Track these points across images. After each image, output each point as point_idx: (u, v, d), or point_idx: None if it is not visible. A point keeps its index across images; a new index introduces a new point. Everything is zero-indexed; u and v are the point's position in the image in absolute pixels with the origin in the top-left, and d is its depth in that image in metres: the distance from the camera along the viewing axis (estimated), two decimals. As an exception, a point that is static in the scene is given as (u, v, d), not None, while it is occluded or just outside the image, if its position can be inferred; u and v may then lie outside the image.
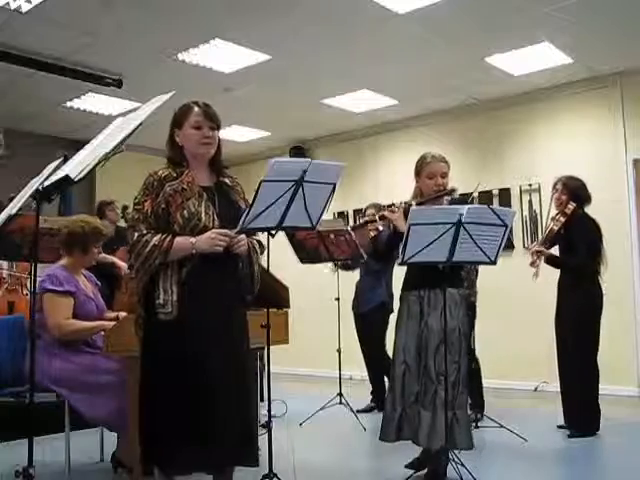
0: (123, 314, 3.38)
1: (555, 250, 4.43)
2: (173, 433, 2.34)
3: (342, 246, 4.72)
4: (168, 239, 2.37)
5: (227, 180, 2.62)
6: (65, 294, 3.28)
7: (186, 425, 2.34)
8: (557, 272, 4.40)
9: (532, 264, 4.34)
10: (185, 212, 2.42)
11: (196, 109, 2.52)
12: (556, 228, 4.33)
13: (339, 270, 5.34)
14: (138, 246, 2.39)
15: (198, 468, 2.42)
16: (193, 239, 2.39)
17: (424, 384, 3.09)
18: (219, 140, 2.59)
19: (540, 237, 4.38)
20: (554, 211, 4.43)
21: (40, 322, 3.24)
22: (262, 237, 2.80)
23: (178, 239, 2.39)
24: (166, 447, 2.35)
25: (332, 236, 4.46)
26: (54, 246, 3.59)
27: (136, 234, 2.41)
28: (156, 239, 2.37)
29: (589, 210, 4.41)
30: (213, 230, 2.41)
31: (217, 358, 2.41)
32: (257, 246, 2.65)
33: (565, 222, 4.30)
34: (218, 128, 2.57)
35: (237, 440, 2.42)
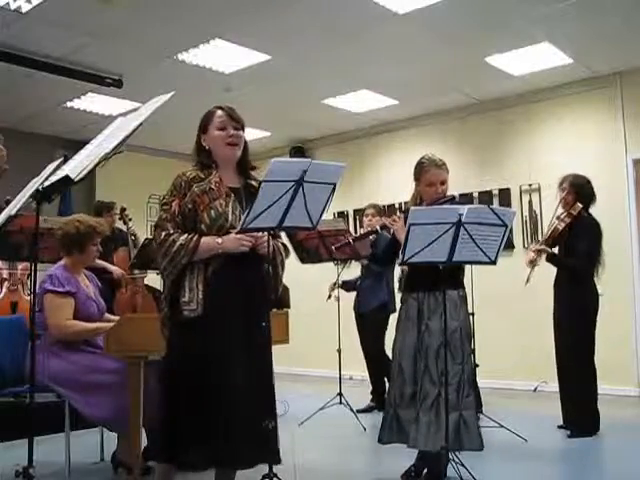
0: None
1: (555, 250, 4.43)
2: (194, 431, 2.34)
3: (343, 247, 4.73)
4: (195, 238, 2.40)
5: (254, 182, 2.64)
6: (66, 295, 3.27)
7: (207, 423, 2.35)
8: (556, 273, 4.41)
9: (531, 262, 4.32)
10: (212, 212, 2.45)
11: (219, 112, 2.58)
12: (560, 227, 4.30)
13: (339, 290, 5.38)
14: (165, 245, 2.41)
15: (217, 464, 2.45)
16: (219, 239, 2.42)
17: (424, 387, 3.08)
18: (246, 142, 2.63)
19: (543, 235, 4.36)
20: (560, 210, 4.40)
21: (41, 321, 3.24)
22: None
23: (205, 239, 2.41)
24: (186, 444, 2.34)
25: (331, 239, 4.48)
26: (54, 246, 3.59)
27: (163, 233, 2.43)
28: (183, 238, 2.40)
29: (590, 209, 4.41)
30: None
31: (241, 357, 2.42)
32: (282, 249, 2.69)
33: (569, 222, 4.29)
34: (243, 129, 2.61)
35: (258, 439, 2.42)
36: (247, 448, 2.40)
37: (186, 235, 2.41)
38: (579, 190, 4.33)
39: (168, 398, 2.43)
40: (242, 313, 2.46)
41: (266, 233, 2.52)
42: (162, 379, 2.51)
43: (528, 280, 4.35)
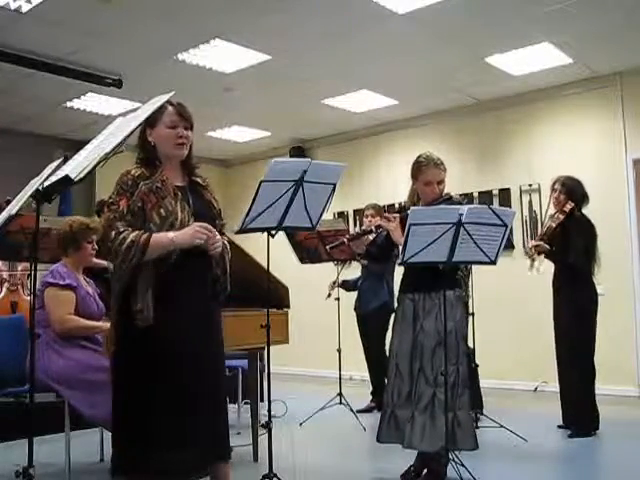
0: None
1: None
2: (155, 436, 2.31)
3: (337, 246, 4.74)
4: (145, 235, 2.33)
5: (199, 180, 2.60)
6: (66, 288, 3.31)
7: (169, 429, 2.32)
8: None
9: (530, 257, 4.31)
10: (162, 211, 2.38)
11: (170, 108, 2.48)
12: (554, 225, 4.32)
13: (339, 290, 5.39)
14: (115, 244, 2.33)
15: (180, 471, 2.38)
16: (171, 234, 2.35)
17: (419, 387, 3.08)
18: (191, 140, 2.55)
19: (539, 233, 4.36)
20: (552, 210, 4.44)
21: (41, 318, 3.25)
22: (261, 237, 2.80)
23: (156, 235, 2.34)
24: (146, 450, 2.31)
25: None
26: (54, 246, 3.61)
27: (113, 232, 2.35)
28: (133, 235, 2.32)
29: (589, 208, 4.42)
30: (195, 223, 2.39)
31: (198, 360, 2.40)
32: (227, 246, 2.61)
33: (562, 221, 4.30)
34: (192, 128, 2.53)
35: (215, 441, 2.43)
36: (206, 451, 2.40)
37: (137, 232, 2.33)
38: (570, 191, 4.35)
39: (125, 405, 2.37)
40: (195, 315, 2.43)
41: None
42: (117, 385, 2.44)
43: (531, 268, 4.31)
